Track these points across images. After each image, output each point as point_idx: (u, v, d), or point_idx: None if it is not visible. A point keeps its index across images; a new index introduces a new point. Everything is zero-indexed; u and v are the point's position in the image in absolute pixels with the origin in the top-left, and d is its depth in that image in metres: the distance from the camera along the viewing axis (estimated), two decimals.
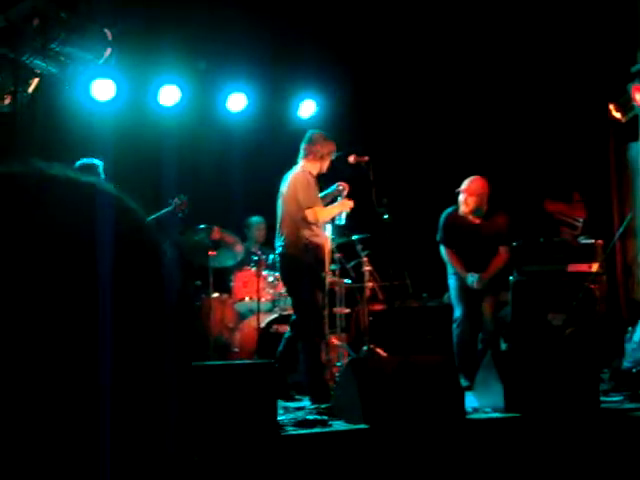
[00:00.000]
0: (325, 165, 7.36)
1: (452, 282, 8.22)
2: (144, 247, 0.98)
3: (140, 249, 0.98)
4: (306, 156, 7.31)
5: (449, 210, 8.24)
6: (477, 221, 8.10)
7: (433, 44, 9.95)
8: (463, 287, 8.06)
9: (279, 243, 7.27)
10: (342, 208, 7.39)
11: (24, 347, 0.87)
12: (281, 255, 7.26)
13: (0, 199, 0.92)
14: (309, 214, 7.09)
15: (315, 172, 7.31)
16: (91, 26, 5.93)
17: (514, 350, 8.04)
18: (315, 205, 7.16)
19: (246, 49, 9.06)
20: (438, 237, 8.27)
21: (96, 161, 7.33)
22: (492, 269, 8.02)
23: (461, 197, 8.09)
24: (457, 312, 8.10)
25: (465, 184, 8.08)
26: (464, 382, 7.22)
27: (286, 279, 7.45)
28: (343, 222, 7.47)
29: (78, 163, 7.10)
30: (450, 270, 8.23)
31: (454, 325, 8.08)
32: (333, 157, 7.40)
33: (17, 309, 0.88)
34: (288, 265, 7.25)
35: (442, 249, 8.25)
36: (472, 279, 7.94)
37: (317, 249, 7.20)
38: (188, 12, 8.83)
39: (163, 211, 7.82)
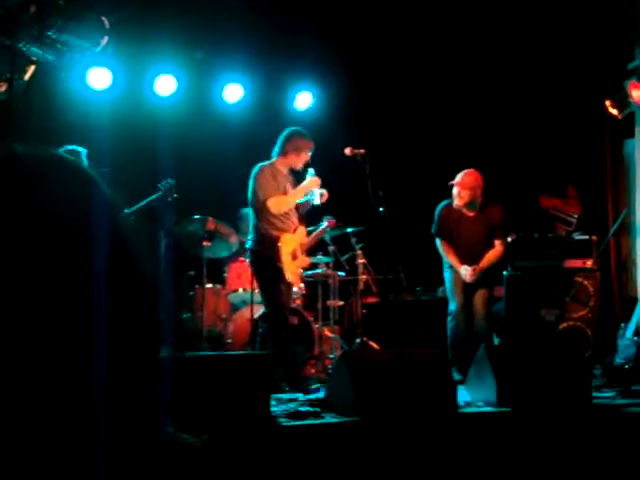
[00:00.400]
0: (300, 160, 7.42)
1: (447, 275, 8.22)
2: (123, 238, 0.99)
3: (121, 241, 0.98)
4: (280, 152, 7.45)
5: (444, 203, 8.24)
6: (471, 214, 8.10)
7: (431, 38, 9.94)
8: (458, 280, 8.06)
9: (248, 238, 7.55)
10: (306, 188, 7.40)
11: (19, 323, 0.88)
12: (248, 250, 7.49)
13: (11, 175, 0.93)
14: (269, 205, 7.22)
15: (284, 167, 7.42)
16: (88, 14, 5.91)
17: (507, 345, 8.05)
18: (273, 195, 7.25)
19: (243, 40, 9.03)
20: (433, 230, 8.28)
21: (79, 148, 7.34)
22: (486, 262, 8.02)
23: (455, 190, 8.09)
24: (452, 306, 8.11)
25: (459, 177, 8.08)
26: (457, 376, 7.24)
27: (253, 273, 7.68)
28: (317, 203, 7.47)
29: (61, 150, 7.09)
30: (445, 263, 8.23)
31: (449, 318, 8.10)
32: (309, 154, 7.45)
33: (12, 288, 0.88)
34: (252, 260, 7.50)
35: (437, 242, 8.25)
36: (465, 272, 7.95)
37: (272, 241, 7.27)
38: (185, 1, 8.81)
39: (153, 196, 7.83)
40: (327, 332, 8.50)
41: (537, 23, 9.59)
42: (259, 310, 8.34)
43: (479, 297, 8.04)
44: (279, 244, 7.26)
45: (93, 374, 0.90)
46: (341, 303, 8.88)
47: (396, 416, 5.71)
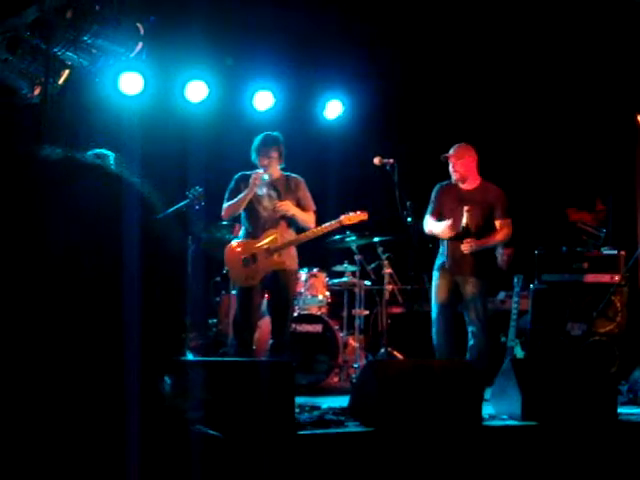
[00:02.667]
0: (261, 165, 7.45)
1: (435, 275, 7.89)
2: (161, 240, 1.00)
3: (158, 242, 1.00)
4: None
5: (442, 183, 7.94)
6: (470, 188, 7.83)
7: (461, 46, 9.93)
8: (443, 278, 7.77)
9: None
10: (250, 190, 7.38)
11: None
12: None
13: (29, 181, 0.94)
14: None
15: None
16: (124, 20, 5.95)
17: (533, 358, 8.01)
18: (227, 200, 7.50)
19: (274, 46, 9.08)
20: (428, 210, 7.86)
21: (107, 152, 7.41)
22: (487, 239, 7.68)
23: (450, 166, 7.82)
24: (433, 312, 7.83)
25: (451, 151, 7.84)
26: None
27: None
28: (261, 193, 7.46)
29: (90, 153, 7.15)
30: (435, 264, 7.90)
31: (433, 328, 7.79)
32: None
33: (40, 290, 0.89)
34: None
35: (426, 223, 7.84)
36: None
37: (222, 248, 7.59)
38: (217, 8, 8.86)
39: (181, 204, 7.86)
40: (352, 341, 8.50)
41: (568, 35, 9.56)
42: None
43: (468, 286, 7.65)
44: (225, 251, 7.53)
45: (125, 373, 0.91)
46: (366, 312, 8.88)
47: (420, 427, 5.70)
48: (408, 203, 7.62)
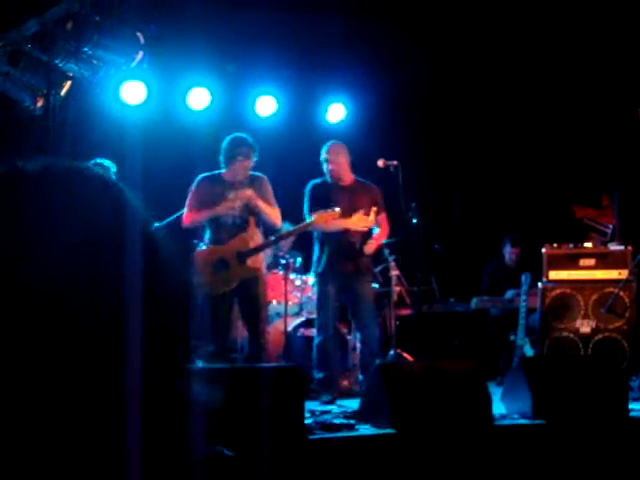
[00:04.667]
0: (232, 168, 7.31)
1: (319, 281, 7.73)
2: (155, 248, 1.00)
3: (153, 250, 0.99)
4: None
5: (316, 180, 7.77)
6: (346, 184, 7.72)
7: (464, 48, 9.93)
8: (329, 287, 7.58)
9: None
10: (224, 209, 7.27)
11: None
12: None
13: (31, 195, 0.93)
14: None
15: (226, 176, 7.35)
16: (123, 29, 5.97)
17: (542, 357, 7.99)
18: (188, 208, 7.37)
19: (275, 52, 9.08)
20: (306, 209, 7.65)
21: (108, 162, 7.43)
22: (379, 238, 7.71)
23: (325, 167, 7.70)
24: (320, 319, 7.69)
25: (325, 151, 7.71)
26: (325, 397, 7.23)
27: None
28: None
29: (90, 163, 7.21)
30: (317, 266, 7.71)
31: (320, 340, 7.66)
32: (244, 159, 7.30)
33: (46, 296, 0.89)
34: None
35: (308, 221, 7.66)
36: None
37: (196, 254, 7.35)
38: (217, 15, 8.87)
39: (182, 211, 7.84)
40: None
41: (573, 32, 9.55)
42: (292, 322, 8.36)
43: (365, 291, 7.64)
44: (195, 257, 7.27)
45: (126, 384, 0.91)
46: None
47: (431, 428, 5.69)
48: (413, 204, 7.62)
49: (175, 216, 7.74)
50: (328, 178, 7.69)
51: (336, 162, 7.62)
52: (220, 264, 7.20)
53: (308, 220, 7.45)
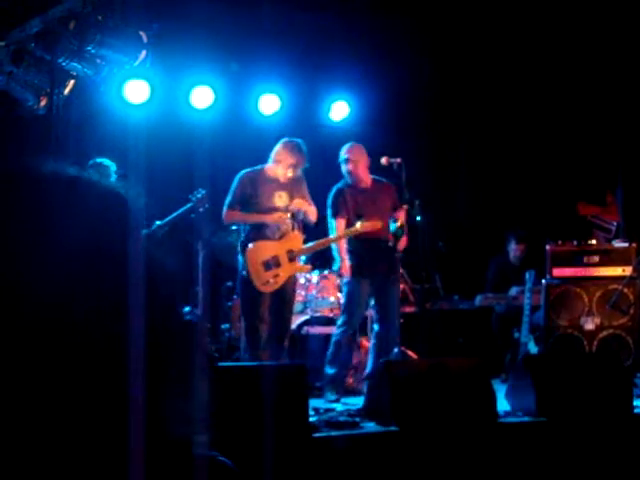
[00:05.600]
0: (281, 173, 7.35)
1: (352, 281, 7.72)
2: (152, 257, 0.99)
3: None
4: (271, 159, 7.46)
5: (338, 185, 7.81)
6: (367, 186, 7.77)
7: (467, 45, 9.92)
8: (362, 288, 7.66)
9: None
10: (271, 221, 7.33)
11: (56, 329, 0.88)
12: None
13: (37, 197, 0.93)
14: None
15: (271, 174, 7.38)
16: (126, 28, 5.98)
17: (546, 354, 7.99)
18: (230, 204, 7.34)
19: (278, 50, 9.07)
20: (331, 214, 7.73)
21: (108, 162, 7.44)
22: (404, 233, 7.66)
23: (345, 168, 7.72)
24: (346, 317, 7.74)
25: (346, 151, 7.74)
26: (331, 396, 7.27)
27: None
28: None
29: (90, 162, 7.25)
30: (353, 268, 7.71)
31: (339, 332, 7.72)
32: (293, 171, 7.34)
33: (46, 302, 0.89)
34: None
35: (335, 226, 7.71)
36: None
37: (242, 249, 7.37)
38: (220, 13, 8.86)
39: (184, 208, 7.83)
40: (365, 342, 8.48)
41: (578, 30, 9.54)
42: (297, 320, 8.35)
43: (394, 293, 7.70)
44: (246, 252, 7.26)
45: (129, 390, 0.91)
46: None
47: (435, 426, 5.69)
48: (416, 202, 7.62)
49: (177, 213, 7.74)
50: (348, 179, 7.72)
51: (356, 162, 7.68)
52: (272, 261, 7.26)
53: (353, 227, 7.48)
